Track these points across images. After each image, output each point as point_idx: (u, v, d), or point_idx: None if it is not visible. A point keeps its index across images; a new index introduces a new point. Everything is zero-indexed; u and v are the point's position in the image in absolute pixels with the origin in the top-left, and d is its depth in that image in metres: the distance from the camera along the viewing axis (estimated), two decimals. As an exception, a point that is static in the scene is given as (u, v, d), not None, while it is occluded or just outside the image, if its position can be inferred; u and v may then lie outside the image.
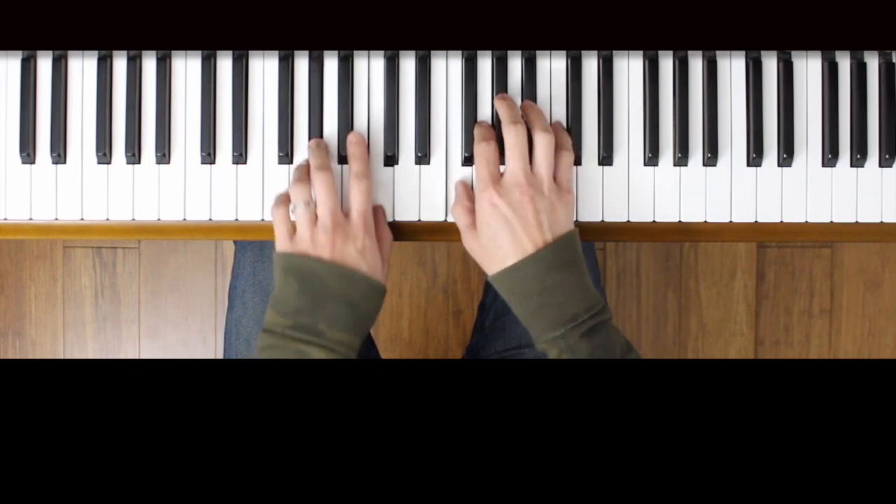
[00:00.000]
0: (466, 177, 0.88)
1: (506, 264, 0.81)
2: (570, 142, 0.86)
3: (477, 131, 0.86)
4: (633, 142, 0.88)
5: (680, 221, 0.89)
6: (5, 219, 0.87)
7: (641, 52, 0.88)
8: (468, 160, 0.87)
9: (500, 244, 0.81)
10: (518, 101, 0.88)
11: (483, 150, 0.83)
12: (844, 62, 0.89)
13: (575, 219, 0.87)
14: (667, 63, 0.89)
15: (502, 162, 0.84)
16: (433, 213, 0.88)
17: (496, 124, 0.87)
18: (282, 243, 0.83)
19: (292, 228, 0.83)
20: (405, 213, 0.88)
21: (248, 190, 0.87)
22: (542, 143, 0.82)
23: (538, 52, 0.88)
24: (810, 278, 1.65)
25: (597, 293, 0.82)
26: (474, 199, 0.84)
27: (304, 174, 0.84)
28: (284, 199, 0.85)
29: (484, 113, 0.88)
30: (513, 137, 0.82)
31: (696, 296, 1.64)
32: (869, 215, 0.89)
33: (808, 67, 0.89)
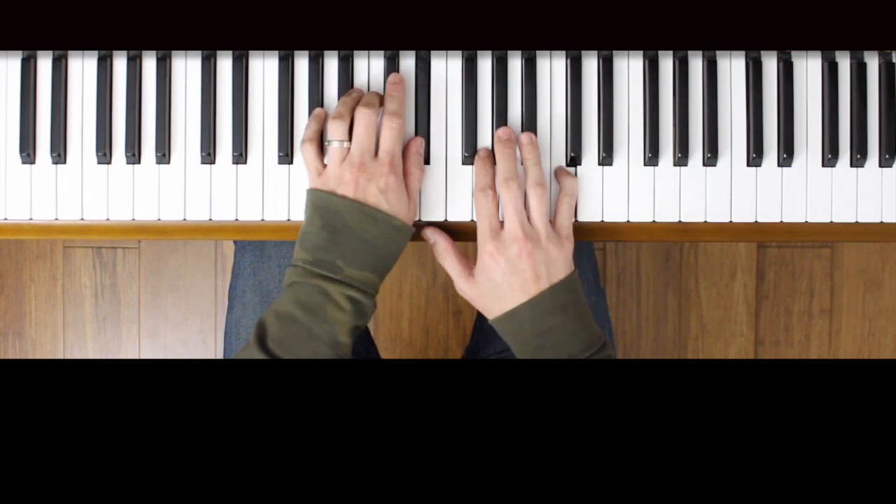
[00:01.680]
0: (467, 176, 0.88)
1: (504, 310, 0.83)
2: (573, 185, 0.87)
3: (476, 175, 0.86)
4: (633, 142, 0.88)
5: (680, 221, 0.89)
6: (5, 219, 0.87)
7: (641, 52, 0.88)
8: (468, 160, 0.87)
9: (500, 294, 0.83)
10: (519, 101, 0.88)
11: (481, 202, 0.84)
12: (844, 62, 0.89)
13: (575, 219, 0.88)
14: (667, 63, 0.89)
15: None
16: (434, 213, 0.88)
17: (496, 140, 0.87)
18: (311, 180, 0.85)
19: (321, 165, 0.84)
20: (405, 213, 0.88)
21: (248, 190, 0.87)
22: (534, 196, 0.84)
23: (538, 52, 0.88)
24: (810, 278, 1.65)
25: (598, 331, 0.84)
26: (457, 250, 0.86)
27: (345, 111, 0.85)
28: (312, 135, 0.85)
29: (484, 113, 0.88)
30: (506, 194, 0.83)
31: (696, 296, 1.64)
32: (869, 215, 0.89)
33: (808, 67, 0.89)
